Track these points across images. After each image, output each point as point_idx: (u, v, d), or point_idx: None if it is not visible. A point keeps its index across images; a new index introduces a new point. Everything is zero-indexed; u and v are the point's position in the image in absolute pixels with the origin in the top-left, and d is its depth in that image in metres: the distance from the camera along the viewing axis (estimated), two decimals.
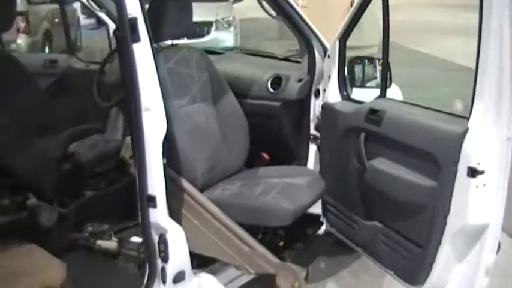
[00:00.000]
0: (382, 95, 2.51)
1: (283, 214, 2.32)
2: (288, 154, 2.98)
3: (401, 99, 3.54)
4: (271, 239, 2.56)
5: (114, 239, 2.56)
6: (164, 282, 2.19)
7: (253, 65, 3.18)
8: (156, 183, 2.06)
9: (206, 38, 7.56)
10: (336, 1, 7.34)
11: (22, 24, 7.20)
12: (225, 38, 7.73)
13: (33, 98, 2.62)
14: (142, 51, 1.95)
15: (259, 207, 2.36)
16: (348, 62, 2.77)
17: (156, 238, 2.14)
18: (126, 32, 1.91)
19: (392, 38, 2.41)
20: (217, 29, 7.73)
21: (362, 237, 2.51)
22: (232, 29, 7.86)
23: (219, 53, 3.43)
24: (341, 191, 2.64)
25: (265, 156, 3.06)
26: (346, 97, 2.71)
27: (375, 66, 2.78)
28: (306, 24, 2.72)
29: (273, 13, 2.68)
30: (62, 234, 2.61)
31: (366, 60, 2.74)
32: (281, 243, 2.62)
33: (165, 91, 2.23)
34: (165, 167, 2.10)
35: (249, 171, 2.70)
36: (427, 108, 2.28)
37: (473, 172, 1.93)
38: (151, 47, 1.98)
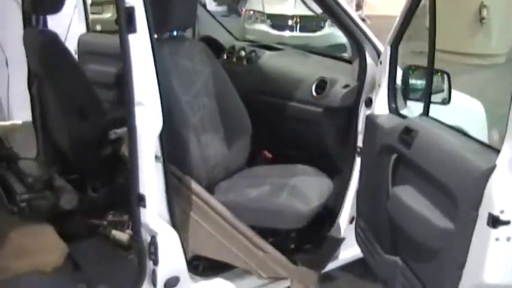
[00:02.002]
0: (425, 112, 2.15)
1: (298, 216, 2.25)
2: (331, 166, 2.71)
3: (483, 119, 3.11)
4: (283, 242, 2.42)
5: (128, 231, 2.52)
6: (154, 285, 2.10)
7: (308, 64, 2.93)
8: (146, 182, 1.96)
9: (318, 33, 7.33)
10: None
11: None
12: (340, 33, 7.41)
13: (74, 79, 2.66)
14: (138, 43, 1.85)
15: (273, 210, 2.28)
16: (403, 71, 2.43)
17: (148, 239, 2.05)
18: (122, 21, 1.82)
19: None
20: (332, 24, 7.43)
21: (382, 271, 2.19)
22: None
23: (278, 49, 3.22)
24: (371, 216, 2.33)
25: (267, 154, 2.84)
26: (394, 110, 2.37)
27: (442, 78, 2.39)
28: (356, 25, 2.41)
29: (319, 11, 2.42)
30: (83, 219, 2.63)
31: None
32: (292, 246, 2.47)
33: (169, 85, 2.13)
34: (167, 164, 2.00)
35: (250, 170, 2.56)
36: (466, 135, 1.89)
37: (494, 221, 1.55)
38: (151, 38, 1.86)
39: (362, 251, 2.41)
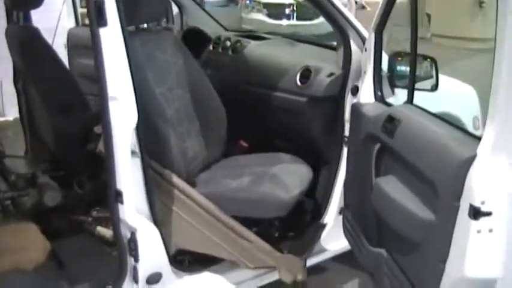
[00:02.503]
0: (409, 100, 2.09)
1: (280, 204, 2.25)
2: (318, 156, 2.66)
3: (476, 105, 3.04)
4: (267, 231, 2.40)
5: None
6: (136, 281, 2.07)
7: (294, 53, 2.87)
8: (123, 178, 1.91)
9: (315, 21, 7.23)
10: None
11: None
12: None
13: (55, 75, 2.61)
14: (109, 36, 1.79)
15: (255, 199, 2.26)
16: (389, 58, 2.37)
17: (128, 235, 2.02)
18: (92, 15, 1.77)
19: None
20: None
21: (367, 263, 2.15)
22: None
23: (264, 38, 3.15)
24: (357, 208, 2.28)
25: (243, 143, 2.80)
26: (380, 98, 2.31)
27: (431, 64, 2.33)
28: (339, 12, 2.35)
29: None
30: (68, 216, 2.60)
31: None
32: (276, 234, 2.46)
33: (143, 78, 2.07)
34: (145, 159, 1.96)
35: (228, 160, 2.52)
36: (450, 123, 1.83)
37: (475, 213, 1.49)
38: (123, 31, 1.81)
39: (349, 242, 2.36)
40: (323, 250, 2.60)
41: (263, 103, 2.74)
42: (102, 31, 1.78)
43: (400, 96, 2.40)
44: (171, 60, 2.29)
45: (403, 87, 2.35)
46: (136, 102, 1.85)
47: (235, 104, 2.56)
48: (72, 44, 3.69)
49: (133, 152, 1.92)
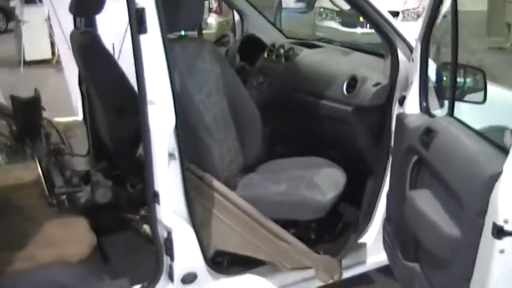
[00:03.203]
0: (450, 112, 2.01)
1: (318, 207, 2.30)
2: (364, 166, 2.61)
3: None
4: (304, 233, 2.45)
5: None
6: (172, 280, 2.14)
7: (344, 62, 2.84)
8: (160, 179, 2.00)
9: None
10: None
11: (215, 5, 7.62)
12: None
13: (111, 79, 2.75)
14: (149, 43, 1.88)
15: (294, 202, 2.32)
16: (438, 68, 2.30)
17: (165, 234, 2.09)
18: (133, 22, 1.86)
19: None
20: (404, 19, 7.17)
21: (402, 277, 2.09)
22: (420, 20, 7.21)
23: (318, 46, 3.14)
24: (395, 220, 2.22)
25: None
26: (425, 109, 2.24)
27: (480, 76, 2.23)
28: (386, 21, 2.31)
29: (346, 6, 2.34)
30: (118, 213, 2.72)
31: (462, 69, 2.21)
32: (313, 236, 2.50)
33: (183, 84, 2.14)
34: (184, 162, 2.03)
35: (264, 165, 2.56)
36: (487, 138, 1.75)
37: (498, 231, 1.43)
38: (163, 38, 1.89)
39: (387, 255, 2.31)
40: (365, 261, 2.55)
41: (311, 111, 2.74)
42: (142, 38, 1.87)
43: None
44: (209, 68, 2.35)
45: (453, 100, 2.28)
46: (176, 107, 1.93)
47: (285, 111, 2.57)
48: None
49: (171, 155, 1.99)
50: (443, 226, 1.65)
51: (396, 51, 2.38)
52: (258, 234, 2.23)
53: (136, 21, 1.85)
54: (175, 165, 2.02)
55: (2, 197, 2.65)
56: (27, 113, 3.42)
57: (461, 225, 1.57)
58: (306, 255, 2.30)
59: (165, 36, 1.90)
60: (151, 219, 2.08)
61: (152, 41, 1.88)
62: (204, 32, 5.56)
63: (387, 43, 2.39)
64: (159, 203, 2.02)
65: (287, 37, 3.59)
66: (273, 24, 3.64)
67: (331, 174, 2.44)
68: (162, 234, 2.10)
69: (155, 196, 2.01)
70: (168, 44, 1.90)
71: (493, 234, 1.44)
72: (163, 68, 1.91)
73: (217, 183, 2.22)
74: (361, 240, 2.52)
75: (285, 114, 2.54)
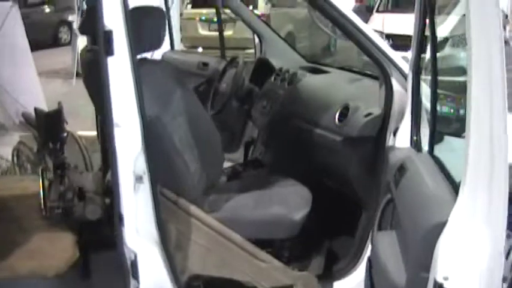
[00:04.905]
0: (430, 149, 1.86)
1: (293, 225, 2.29)
2: (357, 199, 2.48)
3: None
4: (279, 251, 2.39)
5: None
6: None
7: (343, 89, 2.72)
8: (124, 202, 1.97)
9: (440, 54, 6.78)
10: None
11: None
12: (463, 55, 6.80)
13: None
14: (117, 65, 1.87)
15: (268, 220, 2.32)
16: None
17: (132, 257, 2.06)
18: (100, 44, 1.86)
19: None
20: (453, 46, 6.87)
21: None
22: None
23: (324, 72, 3.04)
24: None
25: None
26: (415, 144, 2.09)
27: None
28: (379, 49, 2.19)
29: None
30: (109, 230, 2.71)
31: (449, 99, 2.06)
32: (286, 255, 2.43)
33: (149, 106, 2.11)
34: (154, 185, 2.00)
35: (229, 184, 2.56)
36: (452, 180, 1.59)
37: None
38: (132, 60, 1.88)
39: None
40: None
41: (306, 138, 2.65)
42: (110, 59, 1.86)
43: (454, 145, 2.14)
44: (171, 90, 2.32)
45: (446, 134, 2.13)
46: (145, 130, 1.90)
47: (283, 136, 2.49)
48: None
49: (139, 178, 1.96)
50: (393, 274, 1.52)
51: (390, 80, 2.25)
52: (234, 254, 2.20)
53: (104, 43, 1.85)
54: (145, 188, 1.99)
55: (4, 205, 2.73)
56: (49, 125, 3.52)
57: (408, 277, 1.43)
58: (284, 273, 2.27)
59: (134, 58, 1.88)
60: (118, 241, 2.05)
61: (119, 63, 1.87)
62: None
63: (380, 71, 2.27)
64: (123, 226, 1.99)
65: (308, 61, 3.50)
66: (293, 48, 3.57)
67: (298, 192, 2.41)
68: (130, 256, 2.07)
69: (121, 219, 1.99)
70: (136, 66, 1.88)
71: None
72: (130, 90, 1.89)
73: (191, 207, 2.18)
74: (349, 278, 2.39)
75: (283, 139, 2.46)
